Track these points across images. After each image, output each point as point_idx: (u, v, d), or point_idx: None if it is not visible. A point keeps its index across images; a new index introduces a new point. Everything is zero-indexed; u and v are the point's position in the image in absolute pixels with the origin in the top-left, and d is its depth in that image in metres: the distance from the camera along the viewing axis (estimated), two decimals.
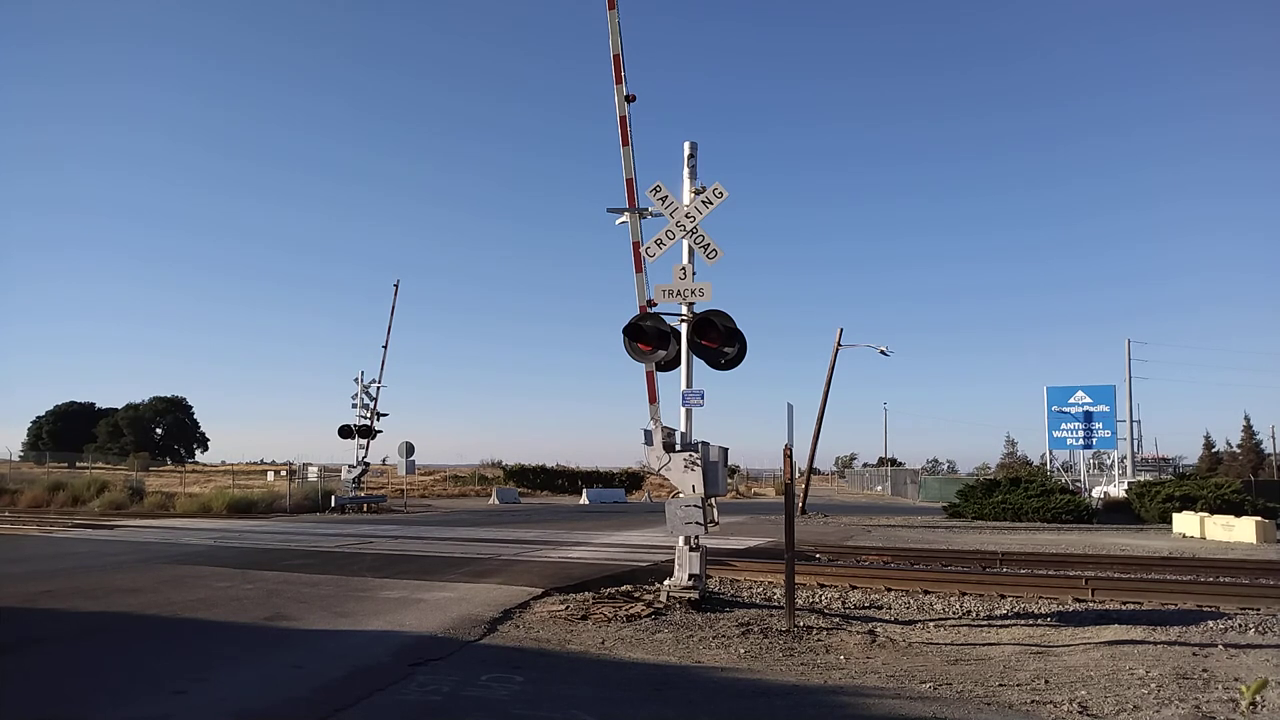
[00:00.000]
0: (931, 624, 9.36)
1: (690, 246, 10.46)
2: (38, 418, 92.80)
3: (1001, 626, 9.19)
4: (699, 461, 9.96)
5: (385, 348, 32.46)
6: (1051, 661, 7.46)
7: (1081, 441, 39.91)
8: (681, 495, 10.06)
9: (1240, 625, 8.69)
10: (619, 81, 10.56)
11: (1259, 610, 9.65)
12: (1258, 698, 5.54)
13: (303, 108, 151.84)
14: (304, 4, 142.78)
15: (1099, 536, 22.54)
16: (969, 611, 10.07)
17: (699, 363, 10.30)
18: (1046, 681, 6.59)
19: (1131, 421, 42.39)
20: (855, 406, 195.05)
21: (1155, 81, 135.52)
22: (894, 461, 76.68)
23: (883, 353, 36.94)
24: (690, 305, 10.27)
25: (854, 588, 11.60)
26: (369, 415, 32.10)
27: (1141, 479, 36.70)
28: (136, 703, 5.70)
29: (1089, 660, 7.37)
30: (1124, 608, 10.04)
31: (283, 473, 40.32)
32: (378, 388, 32.33)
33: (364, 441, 31.96)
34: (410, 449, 33.23)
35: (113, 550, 16.11)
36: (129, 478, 42.16)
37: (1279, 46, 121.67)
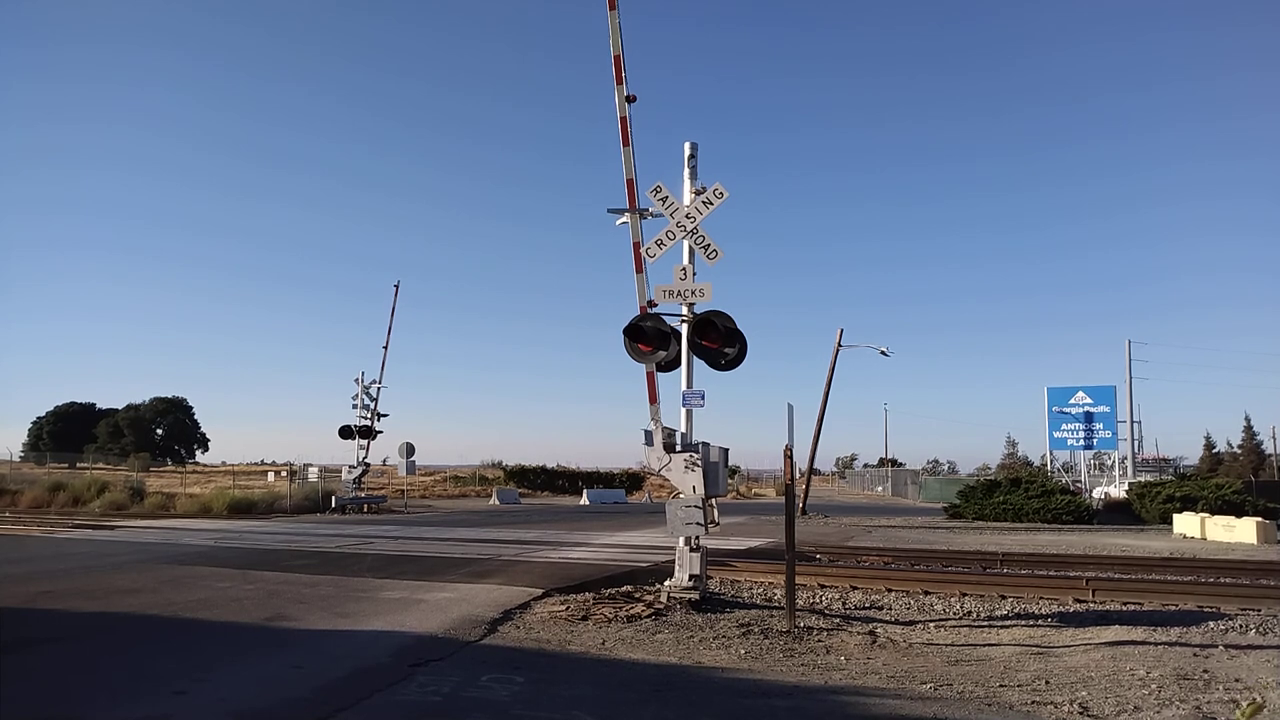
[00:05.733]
0: (932, 624, 9.35)
1: (691, 247, 10.45)
2: (38, 418, 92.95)
3: (1002, 627, 9.18)
4: (699, 462, 9.95)
5: (386, 348, 32.49)
6: (1052, 662, 7.45)
7: (1082, 442, 39.89)
8: (682, 496, 10.06)
9: (1241, 626, 8.68)
10: (619, 82, 10.56)
11: (1260, 611, 9.63)
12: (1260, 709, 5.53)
13: (304, 109, 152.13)
14: (305, 5, 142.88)
15: (1099, 537, 22.52)
16: (969, 612, 10.06)
17: (699, 363, 10.29)
18: (1047, 682, 6.58)
19: (1132, 422, 42.35)
20: (856, 407, 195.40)
21: (1155, 82, 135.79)
22: (894, 462, 76.66)
23: (883, 353, 36.98)
24: (691, 306, 10.26)
25: (854, 588, 11.59)
26: (369, 416, 32.08)
27: (1142, 479, 36.66)
28: (137, 703, 5.70)
29: (1090, 661, 7.36)
30: (1125, 608, 10.03)
31: (283, 473, 40.36)
32: (378, 388, 32.34)
33: (364, 442, 31.94)
34: (411, 449, 33.22)
35: (113, 551, 16.10)
36: (129, 478, 42.15)
37: (1279, 46, 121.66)
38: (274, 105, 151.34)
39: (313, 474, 40.02)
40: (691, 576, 9.96)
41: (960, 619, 9.70)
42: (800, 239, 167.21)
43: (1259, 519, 21.26)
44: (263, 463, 78.24)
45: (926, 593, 11.21)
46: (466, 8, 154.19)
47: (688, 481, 10.01)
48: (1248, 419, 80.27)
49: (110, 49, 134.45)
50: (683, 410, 10.25)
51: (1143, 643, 7.95)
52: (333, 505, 30.96)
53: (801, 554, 13.60)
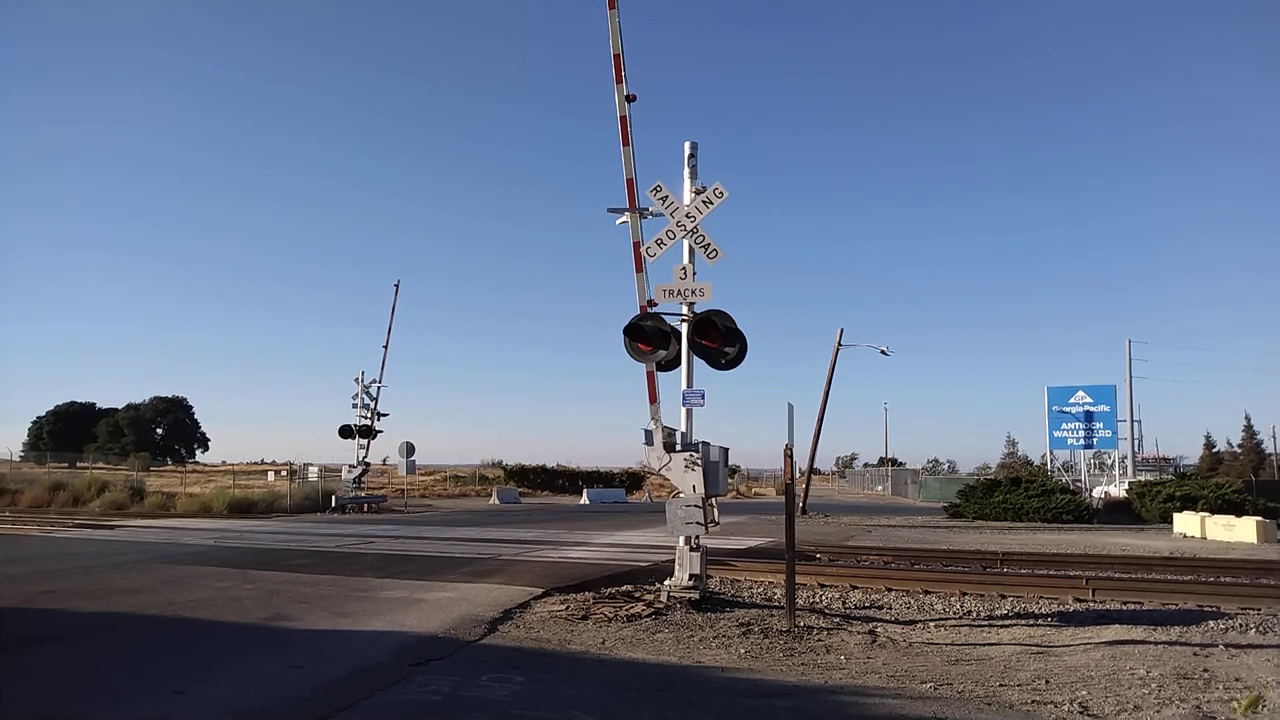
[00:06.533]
0: (932, 624, 9.35)
1: (691, 246, 10.45)
2: (38, 418, 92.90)
3: (1002, 626, 9.19)
4: (699, 461, 9.95)
5: (386, 348, 32.52)
6: (1052, 661, 7.45)
7: (1082, 441, 39.87)
8: (682, 495, 10.06)
9: (1241, 625, 8.68)
10: (619, 81, 10.56)
11: (1260, 610, 9.64)
12: (1259, 701, 5.53)
13: (304, 109, 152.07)
14: (305, 5, 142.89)
15: (1099, 536, 22.53)
16: (969, 611, 10.07)
17: (699, 363, 10.29)
18: (1047, 681, 6.58)
19: (1132, 421, 42.31)
20: (856, 407, 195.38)
21: (1155, 81, 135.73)
22: (894, 461, 76.69)
23: (883, 353, 36.98)
24: (691, 305, 10.26)
25: (854, 588, 11.59)
26: (369, 415, 32.08)
27: (1142, 479, 36.65)
28: (137, 703, 5.70)
29: (1090, 660, 7.36)
30: (1125, 608, 10.03)
31: (283, 473, 40.35)
32: (378, 388, 32.36)
33: (364, 441, 31.95)
34: (411, 449, 33.21)
35: (113, 550, 16.10)
36: (129, 478, 42.13)
37: (1279, 46, 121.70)
38: (274, 105, 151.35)
39: (313, 474, 40.00)
40: (691, 576, 9.96)
41: (960, 618, 9.70)
42: (800, 239, 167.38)
43: (1259, 518, 21.26)
44: (263, 462, 78.20)
45: (926, 592, 11.21)
46: (466, 8, 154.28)
47: (688, 481, 10.00)
48: (1248, 419, 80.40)
49: (110, 49, 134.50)
50: (683, 410, 10.25)
51: (1143, 642, 7.95)
52: (333, 505, 30.96)
53: (801, 553, 13.61)
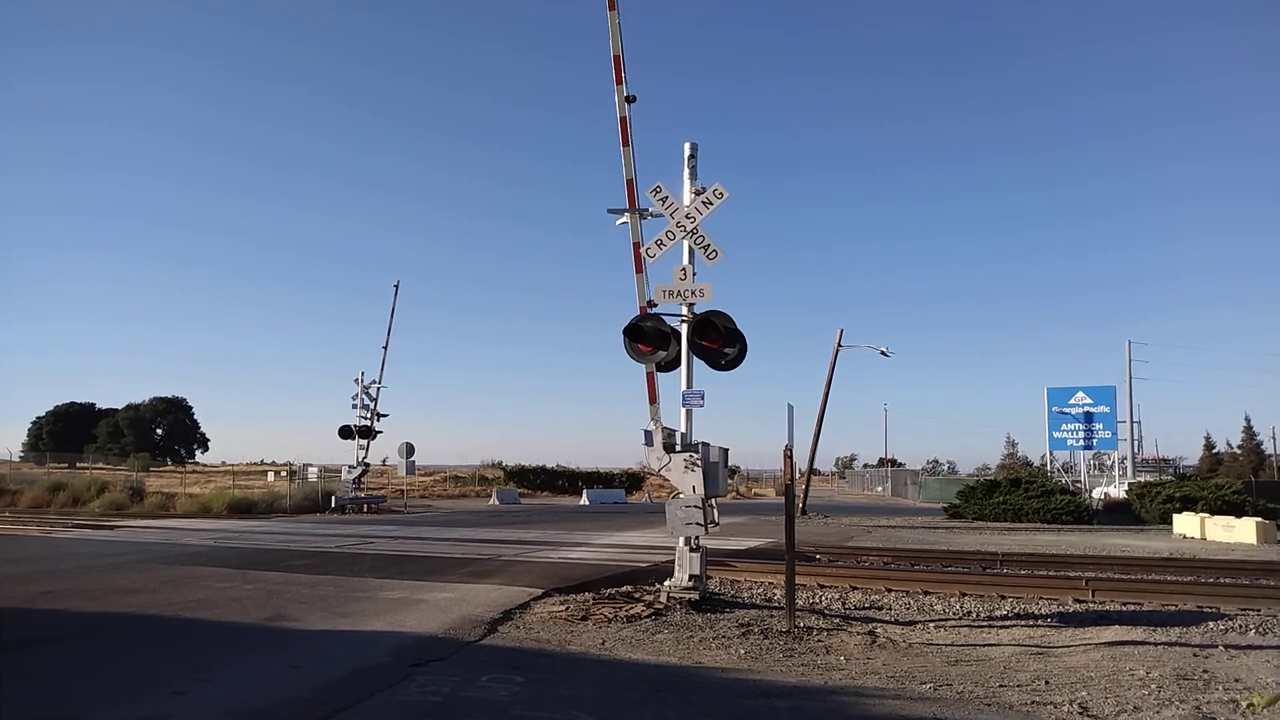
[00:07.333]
0: (932, 625, 9.35)
1: (690, 247, 10.46)
2: (38, 418, 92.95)
3: (1002, 627, 9.19)
4: (699, 462, 9.95)
5: (385, 348, 32.48)
6: (1052, 662, 7.45)
7: (1082, 442, 39.86)
8: (682, 496, 10.06)
9: (1241, 626, 8.69)
10: (619, 82, 10.57)
11: (1259, 611, 9.64)
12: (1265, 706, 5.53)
13: (304, 109, 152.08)
14: (305, 5, 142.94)
15: (1099, 537, 22.53)
16: (969, 612, 10.07)
17: (699, 363, 10.29)
18: (1047, 682, 6.59)
19: (1132, 422, 42.31)
20: (855, 407, 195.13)
21: (1155, 82, 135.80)
22: (894, 462, 76.66)
23: (883, 353, 37.00)
24: (690, 306, 10.26)
25: (854, 588, 11.59)
26: (369, 416, 32.07)
27: (1142, 480, 36.65)
28: (136, 703, 5.70)
29: (1089, 661, 7.36)
30: (1124, 608, 10.03)
31: (283, 473, 40.36)
32: (378, 388, 32.33)
33: (364, 442, 31.93)
34: (410, 449, 33.20)
35: (113, 551, 16.10)
36: (129, 478, 42.11)
37: (1279, 46, 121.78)
38: (274, 105, 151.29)
39: (312, 474, 39.99)
40: (691, 576, 9.96)
41: (960, 619, 9.70)
42: (800, 239, 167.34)
43: (1259, 519, 21.26)
44: (263, 463, 78.18)
45: (926, 593, 11.21)
46: (466, 8, 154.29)
47: (688, 481, 10.01)
48: (1248, 419, 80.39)
49: (110, 49, 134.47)
50: (683, 410, 10.25)
51: (1142, 643, 7.96)
52: (332, 505, 30.96)
53: (801, 554, 13.59)
